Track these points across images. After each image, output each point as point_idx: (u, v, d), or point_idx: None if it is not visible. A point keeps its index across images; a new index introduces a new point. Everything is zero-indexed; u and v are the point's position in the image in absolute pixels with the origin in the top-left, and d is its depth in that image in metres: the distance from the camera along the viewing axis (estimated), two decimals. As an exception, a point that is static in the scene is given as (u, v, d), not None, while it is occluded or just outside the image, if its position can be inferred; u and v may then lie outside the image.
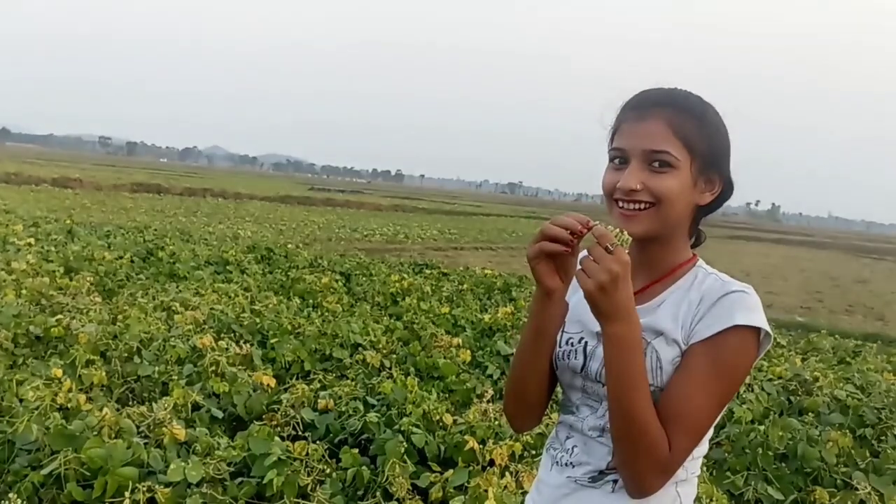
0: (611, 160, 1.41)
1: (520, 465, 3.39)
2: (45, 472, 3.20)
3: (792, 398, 5.87)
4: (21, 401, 3.98)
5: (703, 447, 1.39)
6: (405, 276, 11.29)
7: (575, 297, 1.45)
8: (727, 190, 1.43)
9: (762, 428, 4.63)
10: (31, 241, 10.88)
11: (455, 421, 4.28)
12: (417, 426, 4.12)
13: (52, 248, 10.56)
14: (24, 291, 6.94)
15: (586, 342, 1.43)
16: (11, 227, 12.54)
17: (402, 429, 4.04)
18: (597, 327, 1.39)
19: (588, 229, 1.30)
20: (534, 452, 3.76)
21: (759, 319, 1.31)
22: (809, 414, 5.28)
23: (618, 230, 1.28)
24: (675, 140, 1.34)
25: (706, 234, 1.52)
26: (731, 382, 1.32)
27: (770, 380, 6.17)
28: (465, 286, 11.32)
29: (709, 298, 1.34)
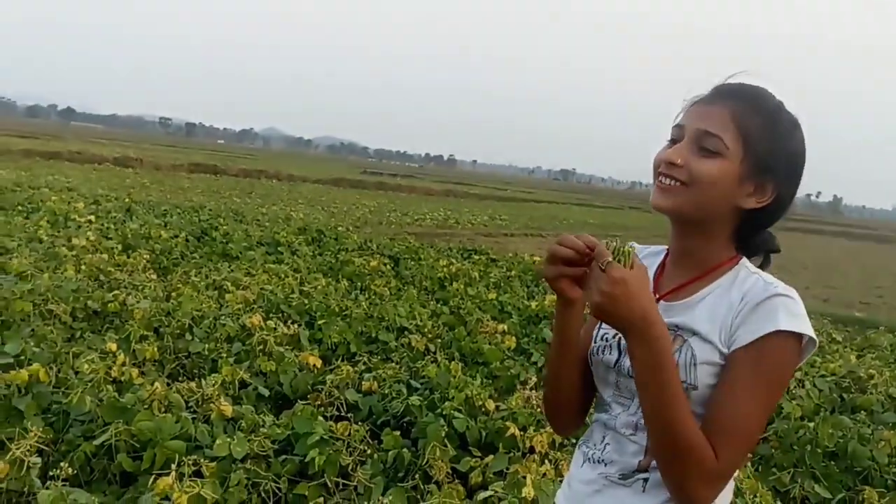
0: (669, 138, 1.39)
1: (560, 454, 3.39)
2: (97, 442, 3.31)
3: (845, 395, 5.72)
4: (76, 373, 4.12)
5: None
6: (453, 261, 11.31)
7: None
8: (778, 207, 1.36)
9: (812, 425, 4.53)
10: (92, 218, 11.21)
11: (497, 407, 4.29)
12: (459, 411, 4.14)
13: (111, 226, 10.87)
14: (83, 267, 7.16)
15: (620, 337, 1.41)
16: (73, 205, 12.92)
17: (445, 413, 4.07)
18: None
19: (591, 250, 1.28)
20: (574, 441, 3.75)
21: (803, 325, 1.26)
22: (862, 412, 5.15)
23: (616, 243, 1.25)
24: (734, 129, 1.30)
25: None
26: (776, 388, 1.28)
27: (822, 376, 6.03)
28: (513, 272, 11.29)
29: (751, 301, 1.29)
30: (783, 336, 1.25)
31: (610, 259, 1.22)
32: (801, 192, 1.42)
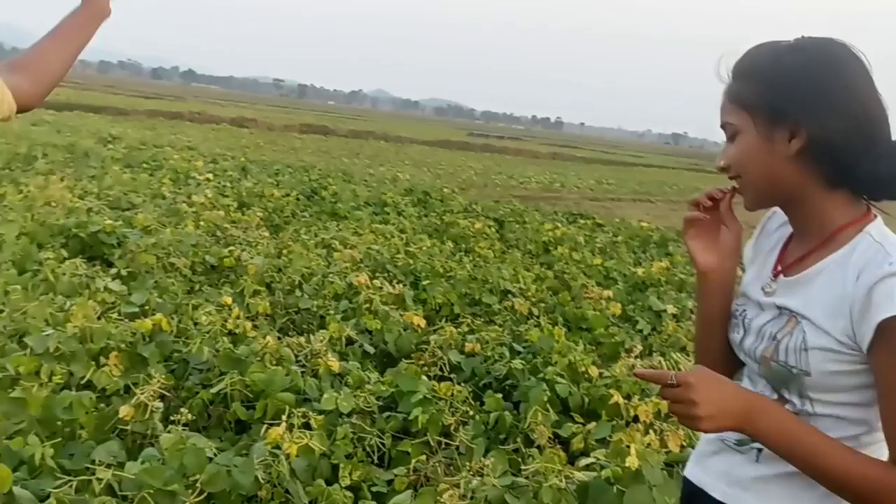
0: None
1: (665, 424, 3.31)
2: (213, 390, 3.48)
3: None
4: (195, 324, 4.33)
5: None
6: (559, 225, 11.19)
7: (750, 270, 1.41)
8: (833, 135, 1.20)
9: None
10: (210, 176, 11.70)
11: (601, 374, 4.24)
12: (562, 376, 4.11)
13: (227, 184, 11.31)
14: (201, 223, 7.49)
15: (745, 312, 1.36)
16: (193, 163, 13.52)
17: (547, 378, 4.05)
18: (757, 297, 1.34)
19: (724, 194, 1.34)
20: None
21: None
22: None
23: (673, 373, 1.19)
24: (731, 106, 1.29)
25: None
26: None
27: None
28: (619, 238, 11.07)
29: (865, 283, 1.16)
30: None
31: (672, 378, 1.17)
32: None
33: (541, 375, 4.11)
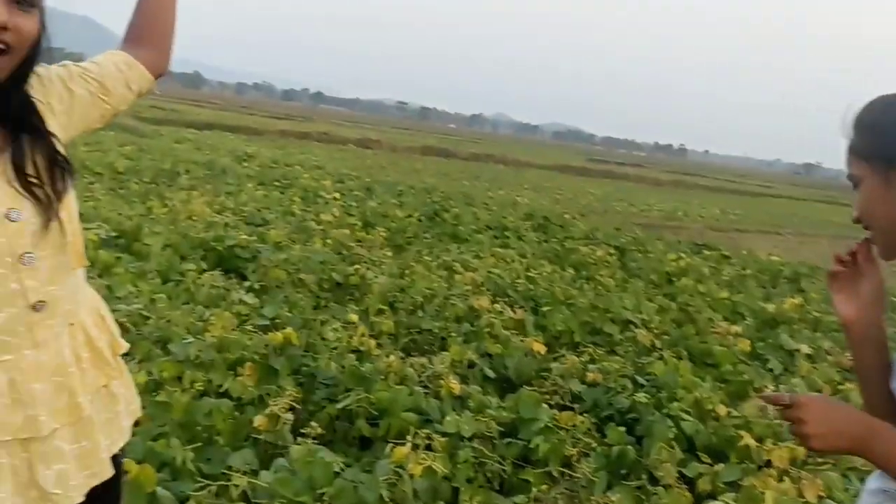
0: None
1: (803, 472, 3.14)
2: (339, 406, 3.57)
3: None
4: (323, 339, 4.47)
5: None
6: (682, 255, 10.86)
7: None
8: None
9: None
10: (337, 195, 12.08)
11: (729, 413, 4.07)
12: (688, 413, 3.98)
13: (353, 203, 11.65)
14: (328, 241, 7.74)
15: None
16: (322, 182, 14.01)
17: (672, 413, 3.93)
18: None
19: (861, 246, 1.36)
20: (819, 460, 3.46)
21: None
22: None
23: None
24: (852, 157, 1.31)
25: None
26: None
27: None
28: (747, 271, 10.64)
29: None
30: None
31: (787, 400, 1.22)
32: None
33: (665, 411, 3.99)
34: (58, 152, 1.36)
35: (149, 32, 1.61)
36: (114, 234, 6.60)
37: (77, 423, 1.39)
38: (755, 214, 29.01)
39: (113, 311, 4.17)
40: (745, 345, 5.83)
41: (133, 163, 12.99)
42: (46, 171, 1.33)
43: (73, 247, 1.36)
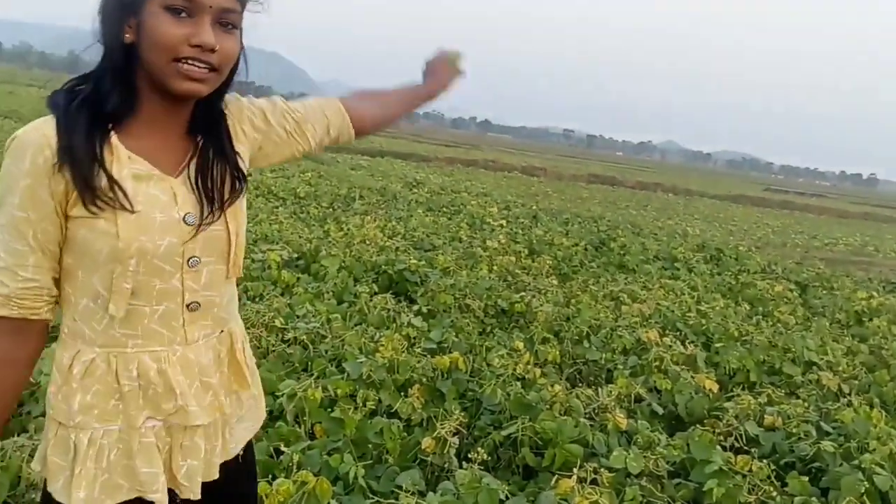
0: None
1: None
2: (504, 433, 3.57)
3: None
4: (488, 365, 4.50)
5: None
6: (874, 293, 10.02)
7: None
8: None
9: None
10: (503, 222, 12.19)
11: (930, 470, 3.68)
12: (882, 466, 3.64)
13: (518, 231, 11.70)
14: (494, 268, 7.81)
15: None
16: (488, 209, 14.20)
17: (863, 466, 3.60)
18: None
19: None
20: None
21: None
22: None
23: None
24: None
25: None
26: None
27: None
28: (952, 314, 9.64)
29: None
30: None
31: None
32: None
33: (855, 462, 3.67)
34: (238, 167, 1.45)
35: (379, 108, 1.78)
36: (295, 255, 7.01)
37: (216, 422, 1.47)
38: (960, 251, 26.27)
39: (293, 328, 4.40)
40: (948, 395, 5.26)
41: (313, 188, 13.78)
42: (225, 183, 1.41)
43: (235, 258, 1.44)
